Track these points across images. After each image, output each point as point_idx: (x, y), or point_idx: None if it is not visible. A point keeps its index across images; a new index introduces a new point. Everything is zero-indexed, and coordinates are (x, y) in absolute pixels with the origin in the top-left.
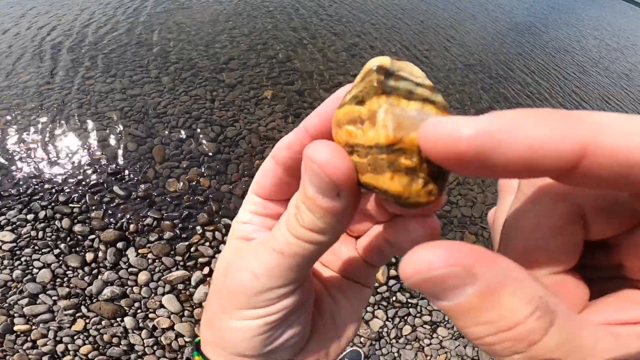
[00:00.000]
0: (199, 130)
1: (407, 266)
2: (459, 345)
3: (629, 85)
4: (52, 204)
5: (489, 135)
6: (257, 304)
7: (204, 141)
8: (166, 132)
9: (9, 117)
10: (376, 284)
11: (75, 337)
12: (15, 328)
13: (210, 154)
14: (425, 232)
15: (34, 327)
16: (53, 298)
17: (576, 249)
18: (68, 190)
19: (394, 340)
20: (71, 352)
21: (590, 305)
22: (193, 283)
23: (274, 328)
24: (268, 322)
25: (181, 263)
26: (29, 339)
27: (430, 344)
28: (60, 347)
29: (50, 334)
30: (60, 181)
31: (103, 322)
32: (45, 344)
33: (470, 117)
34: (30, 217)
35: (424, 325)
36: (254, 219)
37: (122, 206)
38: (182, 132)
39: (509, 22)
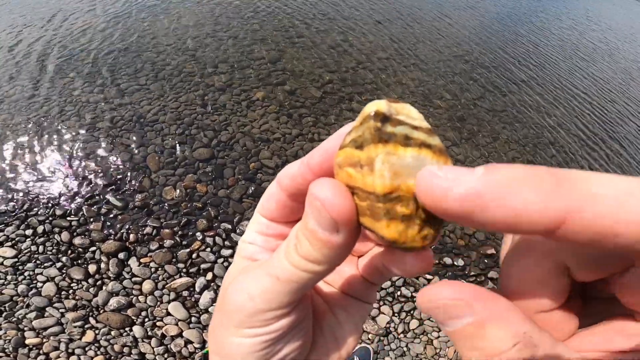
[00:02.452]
0: (192, 136)
1: (423, 297)
2: None
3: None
4: (50, 218)
5: (477, 197)
6: (253, 324)
7: (197, 147)
8: (159, 140)
9: None
10: None
11: (86, 349)
12: (26, 342)
13: (205, 159)
14: (419, 266)
15: (45, 340)
16: (60, 311)
17: (562, 294)
18: (64, 203)
19: (402, 335)
20: None
21: (582, 333)
22: (197, 289)
23: (271, 345)
24: (264, 340)
25: (184, 270)
26: (41, 352)
27: (439, 336)
28: (73, 359)
29: (62, 346)
30: (55, 195)
31: (112, 333)
32: (58, 357)
33: (464, 171)
34: (28, 232)
35: (431, 318)
36: (258, 239)
37: (120, 217)
38: (175, 139)
39: (493, 13)
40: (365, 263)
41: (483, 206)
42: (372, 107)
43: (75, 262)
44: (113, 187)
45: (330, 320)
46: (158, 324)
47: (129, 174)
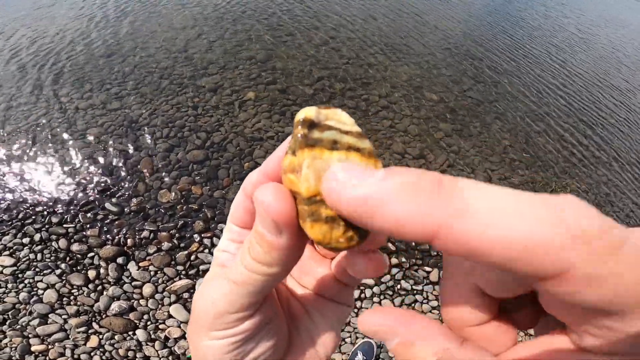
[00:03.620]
0: (184, 138)
1: (360, 323)
2: None
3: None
4: (46, 226)
5: (365, 202)
6: (219, 327)
7: (191, 149)
8: (152, 144)
9: None
10: None
11: (92, 354)
12: (32, 349)
13: (199, 161)
14: (370, 268)
15: (50, 347)
16: (63, 317)
17: (487, 310)
18: (60, 211)
19: None
20: None
21: (518, 346)
22: None
23: (241, 346)
24: (233, 342)
25: (183, 272)
26: (47, 358)
27: None
28: None
29: (68, 352)
30: (50, 203)
31: (116, 337)
32: None
33: (366, 174)
34: (25, 240)
35: (432, 311)
36: (231, 247)
37: (116, 222)
38: (168, 142)
39: (479, 5)
40: (338, 265)
41: (370, 212)
42: (300, 115)
43: (74, 269)
44: (108, 192)
45: (306, 321)
46: (161, 326)
47: (123, 178)
